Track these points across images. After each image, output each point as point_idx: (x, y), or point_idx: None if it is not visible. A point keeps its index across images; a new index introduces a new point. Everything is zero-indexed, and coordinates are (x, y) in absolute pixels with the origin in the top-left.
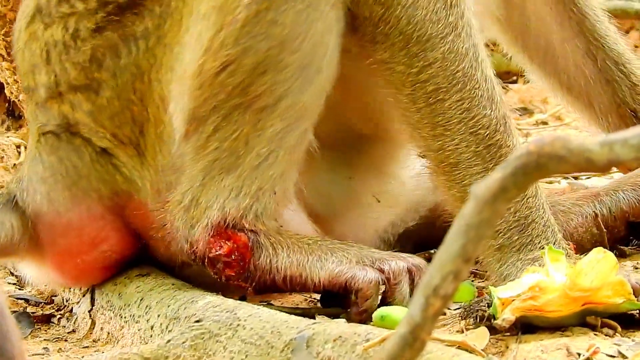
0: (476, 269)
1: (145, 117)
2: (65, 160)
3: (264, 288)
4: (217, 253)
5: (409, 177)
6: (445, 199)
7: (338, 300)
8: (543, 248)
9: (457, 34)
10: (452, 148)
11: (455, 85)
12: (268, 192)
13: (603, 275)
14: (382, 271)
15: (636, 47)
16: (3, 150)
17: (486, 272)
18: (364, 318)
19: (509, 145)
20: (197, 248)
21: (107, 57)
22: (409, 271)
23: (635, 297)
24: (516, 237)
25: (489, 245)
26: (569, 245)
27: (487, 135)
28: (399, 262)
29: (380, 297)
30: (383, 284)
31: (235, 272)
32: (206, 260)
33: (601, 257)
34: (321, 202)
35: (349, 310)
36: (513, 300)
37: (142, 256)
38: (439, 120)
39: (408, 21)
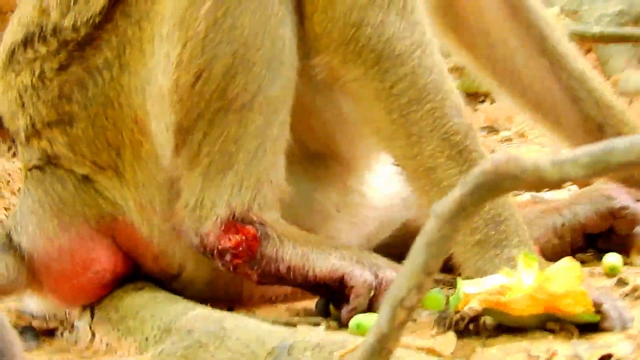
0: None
1: (121, 141)
2: (50, 191)
3: (267, 276)
4: (226, 246)
5: (377, 194)
6: (423, 202)
7: (332, 302)
8: (518, 246)
9: (422, 50)
10: (427, 154)
11: (427, 96)
12: (265, 182)
13: (568, 284)
14: (376, 276)
15: (594, 66)
16: (9, 174)
17: (460, 270)
18: (352, 316)
19: (478, 151)
20: (207, 242)
21: (75, 91)
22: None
23: (595, 309)
24: (492, 233)
25: (467, 241)
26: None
27: (459, 140)
28: (393, 272)
29: (368, 300)
30: (374, 289)
31: (243, 261)
32: (215, 252)
33: (569, 267)
34: (289, 213)
35: (341, 309)
36: (477, 294)
37: (137, 271)
38: (414, 130)
39: (378, 40)
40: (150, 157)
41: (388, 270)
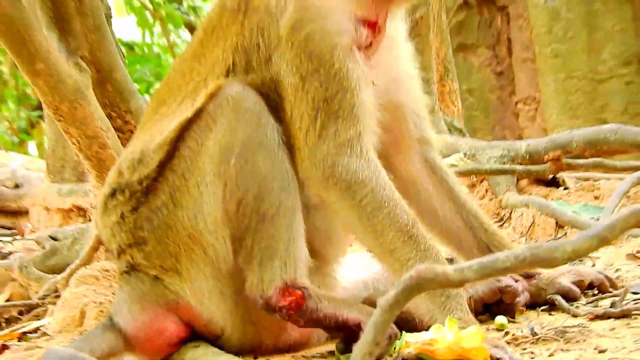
0: None
1: (179, 252)
2: (134, 287)
3: (311, 321)
4: (283, 304)
5: (345, 278)
6: (389, 272)
7: (351, 342)
8: (455, 298)
9: (376, 176)
10: (389, 241)
11: (384, 204)
12: (299, 260)
13: (474, 342)
14: None
15: (487, 190)
16: (106, 271)
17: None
18: None
19: (421, 235)
20: (270, 303)
21: (145, 223)
22: (390, 336)
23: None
24: (448, 299)
25: (437, 302)
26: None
27: (409, 230)
28: (391, 330)
29: None
30: None
31: (295, 313)
32: (276, 308)
33: (475, 331)
34: None
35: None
36: (415, 343)
37: (194, 334)
38: (378, 227)
39: (347, 173)
40: (201, 259)
41: (389, 327)
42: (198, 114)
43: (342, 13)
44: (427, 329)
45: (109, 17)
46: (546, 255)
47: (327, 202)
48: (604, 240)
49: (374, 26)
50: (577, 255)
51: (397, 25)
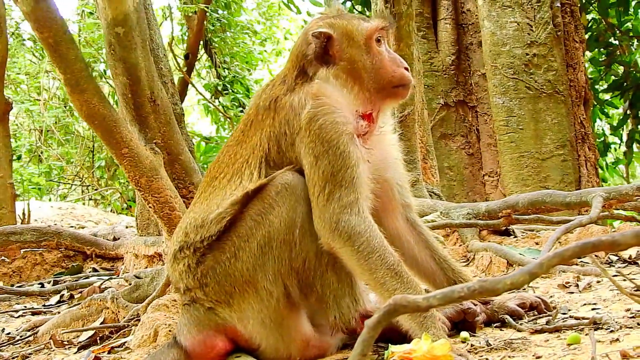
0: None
1: (232, 291)
2: (193, 314)
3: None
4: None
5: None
6: (381, 299)
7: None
8: (431, 326)
9: (371, 228)
10: (381, 276)
11: (376, 249)
12: (364, 293)
13: (443, 350)
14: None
15: (457, 239)
16: (174, 300)
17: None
18: None
19: (404, 271)
20: (355, 331)
21: (208, 271)
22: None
23: None
24: (425, 319)
25: (416, 320)
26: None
27: (395, 267)
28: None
29: None
30: None
31: None
32: (357, 333)
33: (444, 342)
34: None
35: None
36: (398, 352)
37: (238, 348)
38: (372, 267)
39: (348, 227)
40: (252, 298)
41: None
42: (257, 195)
43: (347, 109)
44: (409, 342)
45: (181, 115)
46: (491, 287)
47: (334, 248)
48: (534, 275)
49: (369, 118)
50: (515, 287)
51: (386, 120)
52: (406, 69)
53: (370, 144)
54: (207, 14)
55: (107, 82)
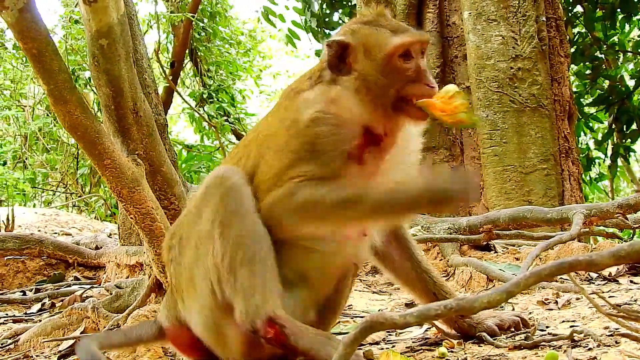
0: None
1: (181, 293)
2: (171, 311)
3: (290, 351)
4: (268, 336)
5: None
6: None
7: None
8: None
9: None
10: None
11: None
12: (275, 293)
13: None
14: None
15: (438, 253)
16: (154, 311)
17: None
18: None
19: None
20: (258, 333)
21: (170, 262)
22: None
23: None
24: None
25: None
26: None
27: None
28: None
29: None
30: None
31: (277, 343)
32: (263, 339)
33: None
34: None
35: None
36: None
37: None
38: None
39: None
40: (195, 297)
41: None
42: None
43: (355, 124)
44: None
45: (165, 126)
46: (468, 305)
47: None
48: (510, 294)
49: (378, 137)
50: (492, 305)
51: (408, 138)
52: (430, 86)
53: (371, 163)
54: (193, 22)
55: (92, 90)
